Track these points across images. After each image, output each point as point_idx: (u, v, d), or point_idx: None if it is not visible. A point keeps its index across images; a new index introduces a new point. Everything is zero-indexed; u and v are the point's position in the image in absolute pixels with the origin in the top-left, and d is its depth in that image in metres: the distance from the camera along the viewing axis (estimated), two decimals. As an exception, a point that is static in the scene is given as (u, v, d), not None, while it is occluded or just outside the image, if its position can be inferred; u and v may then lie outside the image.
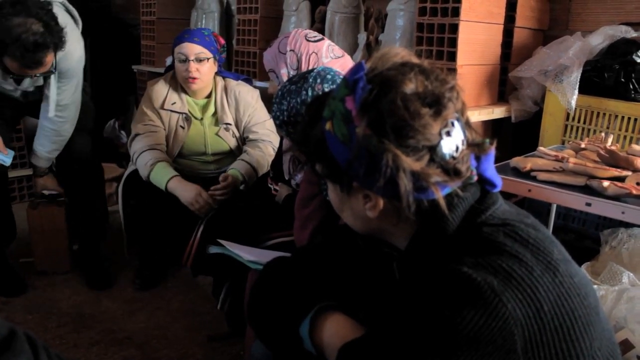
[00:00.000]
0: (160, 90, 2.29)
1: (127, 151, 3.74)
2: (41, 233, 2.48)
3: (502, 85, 2.44)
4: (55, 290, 2.36)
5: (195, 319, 2.15)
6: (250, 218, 1.76)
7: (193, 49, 2.18)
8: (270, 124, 2.33)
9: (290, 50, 1.60)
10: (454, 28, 2.10)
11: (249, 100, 2.31)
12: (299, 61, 1.60)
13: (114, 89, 4.16)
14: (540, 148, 1.78)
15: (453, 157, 0.78)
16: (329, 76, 1.30)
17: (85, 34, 2.15)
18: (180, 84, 2.29)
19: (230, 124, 2.30)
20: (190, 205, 2.05)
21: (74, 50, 2.05)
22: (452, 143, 0.77)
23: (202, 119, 2.31)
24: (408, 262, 0.87)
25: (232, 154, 2.33)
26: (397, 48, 0.84)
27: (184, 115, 2.28)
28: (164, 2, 3.61)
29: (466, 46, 2.13)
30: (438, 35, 2.15)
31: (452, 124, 0.78)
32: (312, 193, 1.40)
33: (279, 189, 1.85)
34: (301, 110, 1.26)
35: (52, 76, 2.06)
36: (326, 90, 1.29)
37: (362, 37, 2.49)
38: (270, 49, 1.67)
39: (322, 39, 1.67)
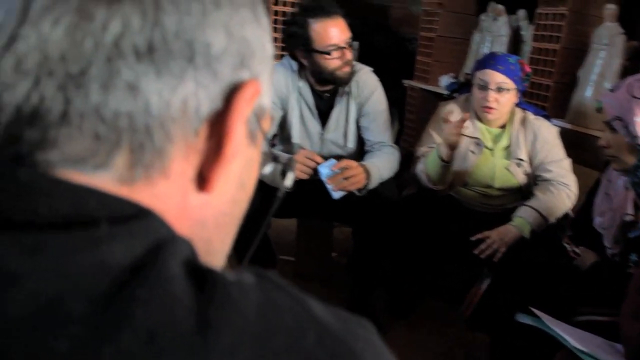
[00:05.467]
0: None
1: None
2: (307, 235, 2.57)
3: None
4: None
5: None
6: (552, 281, 1.55)
7: (495, 78, 2.00)
8: (567, 164, 2.06)
9: None
10: None
11: (547, 136, 2.08)
12: None
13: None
14: None
15: None
16: None
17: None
18: (474, 110, 2.15)
19: (523, 160, 2.08)
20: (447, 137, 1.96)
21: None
22: None
23: (492, 149, 2.13)
24: None
25: (520, 192, 2.11)
26: None
27: (475, 140, 2.12)
28: (446, 20, 3.52)
29: None
30: None
31: None
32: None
33: (582, 253, 1.62)
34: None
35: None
36: None
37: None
38: (616, 93, 1.43)
39: None
